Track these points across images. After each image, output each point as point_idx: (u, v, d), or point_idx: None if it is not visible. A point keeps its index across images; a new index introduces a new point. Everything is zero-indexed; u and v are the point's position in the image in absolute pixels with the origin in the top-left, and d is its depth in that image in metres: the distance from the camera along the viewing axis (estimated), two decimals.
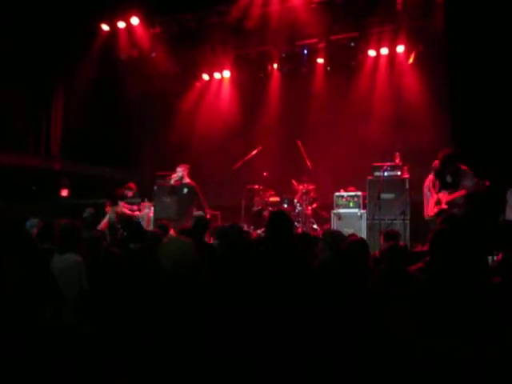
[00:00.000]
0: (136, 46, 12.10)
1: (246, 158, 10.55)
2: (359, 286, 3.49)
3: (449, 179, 7.34)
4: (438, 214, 7.25)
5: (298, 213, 10.01)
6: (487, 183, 6.98)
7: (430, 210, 7.45)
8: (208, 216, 9.18)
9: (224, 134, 12.11)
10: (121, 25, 11.80)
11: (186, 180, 9.48)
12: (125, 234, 6.24)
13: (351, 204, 9.55)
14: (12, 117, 11.44)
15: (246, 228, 10.04)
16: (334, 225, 9.47)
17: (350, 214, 9.49)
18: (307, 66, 11.91)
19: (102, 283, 4.16)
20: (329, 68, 11.60)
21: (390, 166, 9.10)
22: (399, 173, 9.06)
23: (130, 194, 10.05)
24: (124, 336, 2.92)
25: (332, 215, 9.62)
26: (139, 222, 7.53)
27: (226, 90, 12.99)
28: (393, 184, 8.96)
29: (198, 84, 13.13)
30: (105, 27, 11.84)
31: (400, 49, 10.90)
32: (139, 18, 11.63)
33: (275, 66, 12.20)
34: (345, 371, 2.75)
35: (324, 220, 10.14)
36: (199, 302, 2.96)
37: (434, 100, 10.15)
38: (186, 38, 11.94)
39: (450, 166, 7.27)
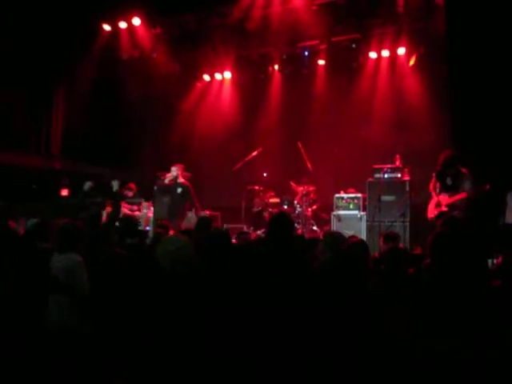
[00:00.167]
0: (137, 46, 12.10)
1: (247, 159, 10.56)
2: (359, 286, 3.49)
3: (449, 182, 7.33)
4: (438, 217, 7.24)
5: (298, 214, 10.01)
6: (487, 187, 6.97)
7: (430, 212, 7.44)
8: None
9: (224, 135, 12.11)
10: (122, 25, 11.79)
11: (180, 180, 9.44)
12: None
13: (351, 206, 9.55)
14: (12, 117, 11.44)
15: (245, 229, 10.07)
16: (334, 226, 9.47)
17: (350, 215, 9.49)
18: (308, 67, 11.92)
19: (102, 282, 4.15)
20: (330, 69, 11.61)
21: (391, 168, 9.11)
22: (399, 175, 9.06)
23: (130, 194, 10.06)
24: (124, 335, 2.92)
25: (332, 217, 9.62)
26: (132, 218, 7.52)
27: (227, 91, 13.00)
28: (393, 186, 8.96)
29: (198, 85, 13.14)
30: (106, 27, 11.84)
31: (401, 51, 10.92)
32: (141, 19, 11.63)
33: (276, 67, 12.21)
34: (345, 371, 2.75)
35: (324, 221, 10.15)
36: (197, 300, 2.95)
37: (434, 102, 10.14)
38: (187, 39, 11.94)
39: (450, 169, 7.26)
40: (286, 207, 10.20)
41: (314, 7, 10.55)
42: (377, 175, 9.13)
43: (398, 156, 9.22)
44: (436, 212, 7.33)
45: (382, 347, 2.81)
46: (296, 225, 9.78)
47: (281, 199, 10.47)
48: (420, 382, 2.66)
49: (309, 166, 10.13)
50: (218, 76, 12.96)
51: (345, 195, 9.68)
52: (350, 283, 3.49)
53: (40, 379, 3.26)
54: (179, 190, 9.27)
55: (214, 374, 2.64)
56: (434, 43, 10.07)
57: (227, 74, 12.81)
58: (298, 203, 10.09)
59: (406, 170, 9.11)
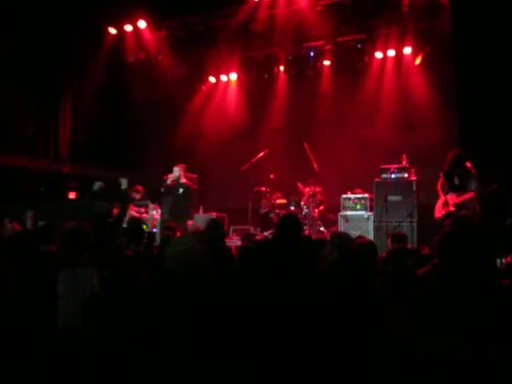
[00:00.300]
0: (143, 49, 12.17)
1: (253, 160, 10.57)
2: (362, 286, 3.48)
3: (456, 181, 7.30)
4: (445, 216, 7.21)
5: (305, 215, 10.00)
6: (495, 187, 6.95)
7: (438, 211, 7.42)
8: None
9: (231, 137, 12.13)
10: (128, 28, 11.86)
11: (183, 180, 9.44)
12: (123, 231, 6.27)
13: (358, 206, 9.53)
14: (21, 120, 11.51)
15: (252, 230, 10.07)
16: (341, 227, 9.45)
17: (357, 216, 9.47)
18: (314, 68, 11.92)
19: (108, 283, 4.16)
20: (335, 70, 11.61)
21: (397, 168, 9.08)
22: (406, 175, 9.03)
23: (137, 196, 10.08)
24: (128, 336, 2.93)
25: (339, 217, 9.61)
26: (139, 221, 7.55)
27: (233, 93, 13.02)
28: (400, 186, 8.94)
29: (203, 87, 13.16)
30: (112, 30, 11.90)
31: (407, 50, 10.89)
32: (146, 22, 11.68)
33: (282, 68, 12.22)
34: (344, 370, 2.75)
35: (331, 222, 10.13)
36: (200, 300, 2.96)
37: (441, 101, 10.12)
38: (192, 41, 11.98)
39: (457, 168, 7.23)
40: (292, 208, 10.19)
41: (319, 8, 10.56)
42: (384, 175, 9.11)
43: (404, 156, 9.19)
44: (443, 212, 7.30)
45: (382, 346, 2.81)
46: (303, 226, 9.78)
47: (288, 200, 10.47)
48: (420, 380, 2.66)
49: (315, 166, 10.12)
50: (223, 78, 12.99)
51: (352, 196, 9.66)
52: (354, 283, 3.49)
53: (41, 380, 3.26)
54: (181, 190, 9.27)
55: (214, 374, 2.64)
56: (439, 42, 10.05)
57: (233, 76, 12.83)
58: (304, 204, 10.08)
59: (412, 169, 9.09)
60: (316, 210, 10.01)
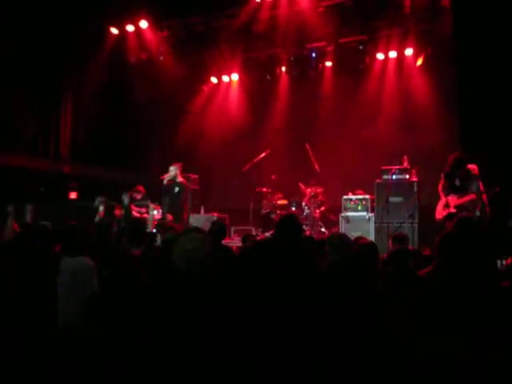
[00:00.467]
0: (145, 49, 12.17)
1: (255, 160, 10.58)
2: (362, 287, 3.48)
3: (457, 183, 7.30)
4: (446, 218, 7.20)
5: (306, 216, 10.00)
6: (497, 189, 6.95)
7: (439, 213, 7.41)
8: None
9: (232, 137, 12.13)
10: (130, 28, 11.87)
11: (179, 179, 9.39)
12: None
13: (359, 207, 9.53)
14: (22, 120, 11.52)
15: (254, 231, 10.08)
16: (342, 228, 9.45)
17: (358, 217, 9.47)
18: (315, 69, 11.92)
19: (114, 283, 4.16)
20: (337, 71, 11.61)
21: (399, 169, 9.09)
22: (407, 176, 9.04)
23: (138, 196, 10.08)
24: (129, 337, 2.93)
25: (340, 218, 9.61)
26: (140, 222, 7.58)
27: (235, 93, 13.02)
28: (401, 187, 8.95)
29: (205, 88, 13.16)
30: (114, 31, 11.91)
31: (408, 52, 10.89)
32: (148, 22, 11.70)
33: (283, 69, 12.22)
34: (344, 371, 2.75)
35: (332, 223, 10.14)
36: (207, 301, 2.96)
37: (442, 102, 10.13)
38: (194, 42, 11.99)
39: (458, 170, 7.23)
40: (294, 209, 10.19)
41: (321, 9, 10.57)
42: (385, 176, 9.12)
43: (405, 157, 9.20)
44: (444, 213, 7.30)
45: (382, 347, 2.81)
46: (304, 226, 9.77)
47: (289, 201, 10.47)
48: (420, 382, 2.66)
49: (316, 167, 10.12)
50: (225, 78, 12.99)
51: (353, 197, 9.66)
52: (353, 284, 3.49)
53: (41, 379, 3.26)
54: (176, 189, 9.24)
55: (216, 374, 2.65)
56: (441, 44, 10.06)
57: (234, 76, 12.83)
58: (306, 205, 10.09)
59: (413, 171, 9.09)
60: (317, 211, 10.01)
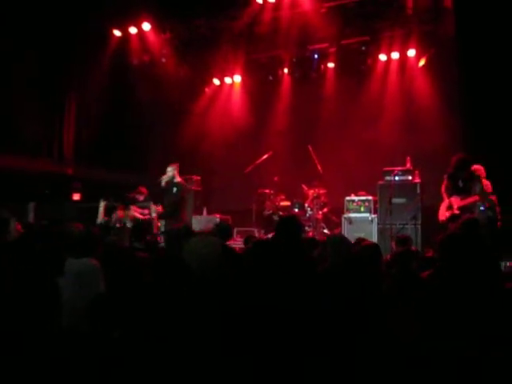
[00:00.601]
0: (147, 51, 12.20)
1: (257, 162, 10.58)
2: (364, 288, 3.48)
3: (460, 184, 7.29)
4: (449, 219, 7.20)
5: (309, 217, 10.00)
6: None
7: (442, 214, 7.40)
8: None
9: (235, 139, 12.13)
10: (132, 30, 11.90)
11: (177, 179, 9.37)
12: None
13: (362, 208, 9.53)
14: (25, 122, 11.54)
15: (256, 232, 10.08)
16: (345, 229, 9.45)
17: (361, 218, 9.47)
18: (318, 70, 11.91)
19: (123, 287, 4.16)
20: (339, 72, 11.61)
21: (401, 171, 9.08)
22: (410, 177, 9.03)
23: (141, 198, 10.07)
24: (136, 338, 2.93)
25: (343, 219, 9.61)
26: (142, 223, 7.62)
27: (237, 95, 13.02)
28: (404, 188, 8.94)
29: (207, 89, 13.18)
30: (116, 33, 11.94)
31: (411, 53, 10.88)
32: (150, 24, 11.72)
33: (286, 70, 12.21)
34: (342, 373, 2.75)
35: (335, 224, 10.13)
36: (221, 305, 2.96)
37: (445, 103, 10.11)
38: (196, 43, 12.02)
39: (462, 171, 7.22)
40: (296, 210, 10.19)
41: (323, 10, 10.57)
42: (387, 178, 9.11)
43: (408, 158, 9.19)
44: (447, 214, 7.29)
45: (384, 349, 2.81)
46: (307, 228, 9.78)
47: (291, 202, 10.47)
48: (424, 383, 2.66)
49: (319, 168, 10.12)
50: (227, 80, 12.99)
51: (355, 198, 9.66)
52: (352, 285, 3.48)
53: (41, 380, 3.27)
54: (174, 189, 9.23)
55: (216, 374, 2.65)
56: (443, 45, 10.04)
57: (237, 78, 12.84)
58: (308, 206, 10.08)
59: (416, 172, 9.08)
60: (320, 212, 10.01)
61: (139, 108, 12.45)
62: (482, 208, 7.00)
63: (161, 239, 8.29)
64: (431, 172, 8.83)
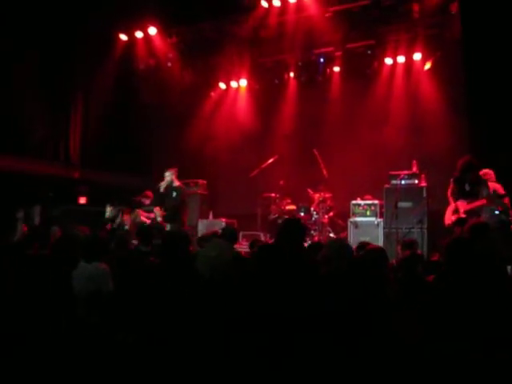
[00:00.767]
0: (153, 55, 12.25)
1: (263, 166, 10.58)
2: (367, 292, 3.47)
3: (467, 188, 7.24)
4: (455, 223, 7.15)
5: (315, 221, 9.98)
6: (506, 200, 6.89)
7: (448, 218, 7.36)
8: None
9: (240, 143, 12.14)
10: (138, 35, 11.95)
11: (176, 183, 9.38)
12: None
13: (368, 212, 9.50)
14: (32, 125, 11.60)
15: (262, 236, 10.07)
16: (351, 233, 9.43)
17: (367, 222, 9.44)
18: (323, 74, 11.92)
19: (133, 289, 4.18)
20: (345, 76, 11.61)
21: (407, 175, 9.06)
22: (416, 181, 9.00)
23: (147, 201, 10.09)
24: (152, 340, 2.94)
25: (349, 224, 9.58)
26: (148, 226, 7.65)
27: (243, 99, 13.03)
28: (410, 192, 8.91)
29: (213, 93, 13.20)
30: (123, 37, 12.00)
31: (417, 56, 10.86)
32: (156, 28, 11.78)
33: (292, 74, 12.22)
34: (344, 374, 2.74)
35: (341, 228, 10.11)
36: (227, 306, 2.96)
37: (451, 107, 10.08)
38: (202, 48, 12.05)
39: (468, 175, 7.17)
40: (302, 214, 10.18)
41: (329, 14, 10.58)
42: (393, 181, 9.09)
43: (414, 162, 9.17)
44: (454, 218, 7.24)
45: (388, 351, 2.80)
46: (313, 232, 9.77)
47: (297, 206, 10.46)
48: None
49: (325, 172, 10.10)
50: (233, 84, 13.01)
51: (361, 202, 9.63)
52: (354, 288, 3.47)
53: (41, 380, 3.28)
54: (174, 194, 9.24)
55: (217, 374, 2.65)
56: (449, 49, 10.02)
57: (243, 82, 12.85)
58: (314, 210, 10.07)
59: (422, 176, 9.05)
60: (326, 216, 9.99)
61: (145, 111, 12.49)
62: (496, 212, 6.91)
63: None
64: (437, 176, 8.80)
